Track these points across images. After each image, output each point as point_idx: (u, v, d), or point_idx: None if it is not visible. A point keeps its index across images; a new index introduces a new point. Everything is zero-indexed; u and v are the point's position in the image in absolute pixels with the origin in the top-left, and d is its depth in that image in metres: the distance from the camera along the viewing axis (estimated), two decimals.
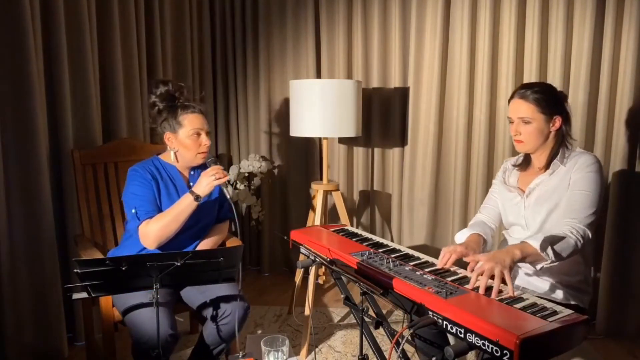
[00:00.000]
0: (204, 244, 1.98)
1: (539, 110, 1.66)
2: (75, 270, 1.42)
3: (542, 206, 1.69)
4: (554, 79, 2.60)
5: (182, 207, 1.80)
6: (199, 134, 1.90)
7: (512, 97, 1.73)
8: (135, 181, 1.86)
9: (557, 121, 1.68)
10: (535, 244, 1.49)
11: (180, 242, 1.92)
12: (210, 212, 2.03)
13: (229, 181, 1.85)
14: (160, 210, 1.86)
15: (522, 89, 1.70)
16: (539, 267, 1.54)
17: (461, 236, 1.82)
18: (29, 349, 2.18)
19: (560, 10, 2.54)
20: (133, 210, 1.82)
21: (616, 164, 2.48)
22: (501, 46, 2.74)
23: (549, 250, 1.49)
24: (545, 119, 1.67)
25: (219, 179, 1.80)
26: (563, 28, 2.55)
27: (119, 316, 1.85)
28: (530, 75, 2.66)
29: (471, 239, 1.75)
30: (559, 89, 1.79)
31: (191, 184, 1.96)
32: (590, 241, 1.61)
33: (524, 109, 1.67)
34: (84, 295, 1.50)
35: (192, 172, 1.99)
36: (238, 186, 3.31)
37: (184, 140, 1.89)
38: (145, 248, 1.88)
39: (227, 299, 1.82)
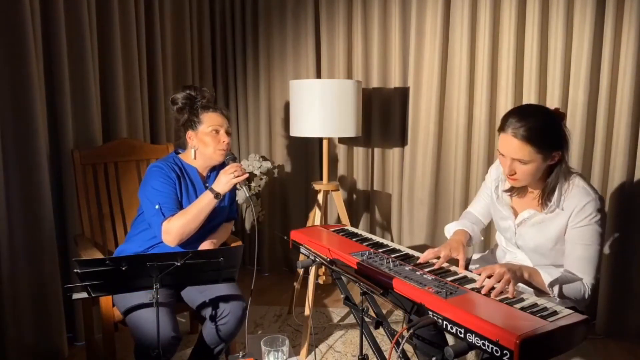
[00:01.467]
0: (206, 244, 1.97)
1: (536, 151, 1.48)
2: (75, 270, 1.42)
3: (535, 245, 1.64)
4: (554, 79, 2.60)
5: (202, 205, 1.82)
6: (217, 131, 1.93)
7: (503, 128, 1.52)
8: (159, 177, 1.87)
9: (557, 156, 1.53)
10: (546, 279, 1.47)
11: (193, 240, 1.92)
12: (223, 212, 2.05)
13: (248, 179, 1.85)
14: (181, 208, 1.87)
15: (515, 121, 1.49)
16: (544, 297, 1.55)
17: (450, 229, 1.83)
18: (29, 349, 2.18)
19: (560, 10, 2.54)
20: (157, 207, 1.83)
21: (616, 164, 2.48)
22: (501, 46, 2.74)
23: (556, 289, 1.48)
24: (543, 158, 1.51)
25: (237, 176, 1.82)
26: (563, 28, 2.55)
27: (119, 316, 1.85)
28: (530, 76, 2.66)
29: (454, 238, 1.74)
30: (558, 105, 1.64)
31: (207, 184, 1.97)
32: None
33: (519, 150, 1.49)
34: (84, 295, 1.50)
35: (209, 174, 2.01)
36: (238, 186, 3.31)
37: (203, 137, 1.92)
38: (154, 244, 1.89)
39: (226, 298, 1.82)
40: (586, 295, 1.53)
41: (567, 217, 1.55)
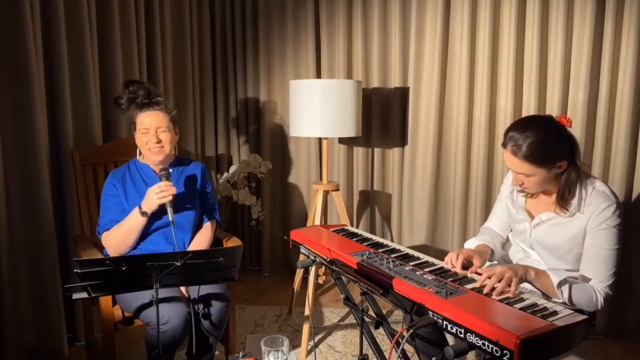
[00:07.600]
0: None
1: (536, 165, 1.51)
2: (75, 270, 1.42)
3: (550, 247, 1.64)
4: (554, 79, 2.60)
5: (132, 224, 1.85)
6: (147, 133, 1.90)
7: (504, 144, 1.56)
8: (105, 191, 1.95)
9: (563, 165, 1.54)
10: (555, 280, 1.46)
11: (157, 242, 1.93)
12: (191, 213, 2.00)
13: (173, 199, 1.82)
14: (127, 212, 1.88)
15: (514, 138, 1.52)
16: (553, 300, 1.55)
17: (470, 244, 1.81)
18: (29, 349, 2.18)
19: (560, 10, 2.54)
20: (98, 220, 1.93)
21: (616, 165, 2.48)
22: (501, 46, 2.74)
23: (565, 291, 1.47)
24: (547, 169, 1.52)
25: (162, 197, 1.79)
26: (563, 28, 2.55)
27: (119, 316, 1.85)
28: (530, 76, 2.66)
29: (479, 248, 1.75)
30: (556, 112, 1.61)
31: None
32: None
33: (519, 166, 1.53)
34: (84, 295, 1.50)
35: (168, 170, 1.96)
36: (238, 186, 3.31)
37: (138, 138, 1.94)
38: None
39: (209, 297, 1.83)
40: (599, 304, 1.53)
41: (587, 221, 1.56)
